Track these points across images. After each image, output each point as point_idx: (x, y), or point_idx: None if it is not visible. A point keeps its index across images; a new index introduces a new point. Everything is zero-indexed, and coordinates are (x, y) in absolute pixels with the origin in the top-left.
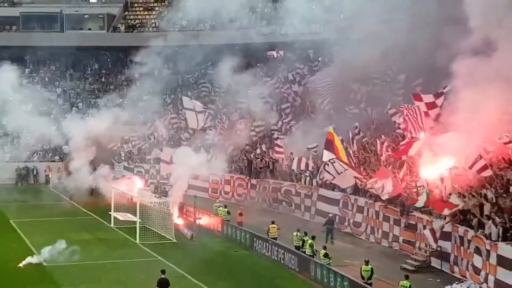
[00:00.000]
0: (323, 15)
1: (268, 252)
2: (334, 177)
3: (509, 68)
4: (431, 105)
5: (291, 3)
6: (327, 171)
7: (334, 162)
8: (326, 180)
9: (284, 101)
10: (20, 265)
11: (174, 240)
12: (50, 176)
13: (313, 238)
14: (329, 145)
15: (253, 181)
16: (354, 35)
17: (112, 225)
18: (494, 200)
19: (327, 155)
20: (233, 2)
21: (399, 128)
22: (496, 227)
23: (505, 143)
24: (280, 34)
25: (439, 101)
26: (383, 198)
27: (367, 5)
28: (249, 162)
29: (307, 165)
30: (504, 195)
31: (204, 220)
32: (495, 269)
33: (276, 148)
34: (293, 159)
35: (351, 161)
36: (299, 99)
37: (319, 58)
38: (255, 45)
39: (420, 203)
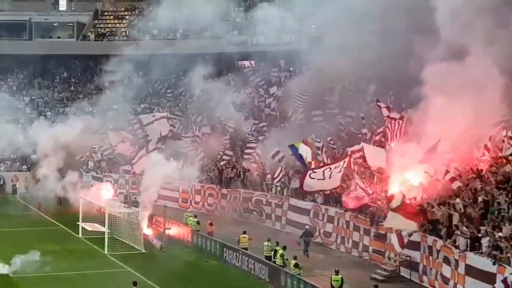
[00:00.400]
0: (295, 25)
1: (238, 262)
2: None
3: (479, 76)
4: (399, 115)
5: (262, 13)
6: (313, 178)
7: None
8: (315, 193)
9: (255, 110)
10: None
11: (143, 251)
12: (17, 185)
13: (284, 248)
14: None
15: (224, 190)
16: (326, 45)
17: (80, 235)
18: (462, 210)
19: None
20: (204, 12)
21: (370, 138)
22: (465, 237)
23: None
24: (252, 44)
25: (405, 112)
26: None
27: (338, 16)
28: (220, 172)
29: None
30: (472, 205)
31: (174, 230)
32: (463, 278)
33: (248, 157)
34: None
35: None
36: (271, 109)
37: (291, 68)
38: (226, 55)
39: (393, 204)
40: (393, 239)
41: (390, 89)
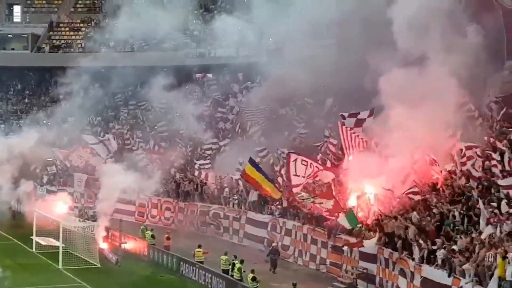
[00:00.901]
0: (253, 38)
1: (195, 276)
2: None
3: (435, 86)
4: (357, 125)
5: (221, 26)
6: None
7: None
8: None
9: (214, 123)
10: None
11: (99, 265)
12: None
13: (241, 262)
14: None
15: (181, 204)
16: (284, 58)
17: (34, 250)
18: (418, 223)
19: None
20: (162, 24)
21: (329, 151)
22: (420, 250)
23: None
24: (210, 56)
25: (362, 123)
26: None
27: (296, 29)
28: (177, 185)
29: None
30: (428, 218)
31: (130, 245)
32: None
33: (205, 170)
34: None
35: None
36: (229, 121)
37: (249, 82)
38: (184, 67)
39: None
40: (355, 252)
41: (348, 101)
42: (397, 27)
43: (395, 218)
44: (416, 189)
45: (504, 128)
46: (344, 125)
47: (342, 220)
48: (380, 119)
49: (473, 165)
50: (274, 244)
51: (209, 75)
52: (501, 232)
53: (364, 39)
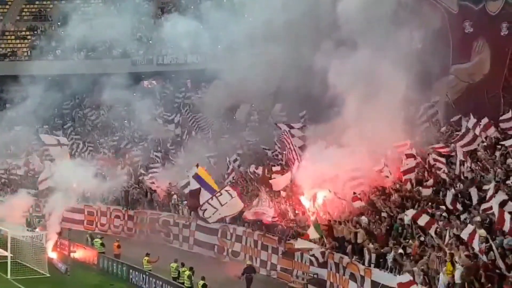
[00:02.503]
0: (202, 45)
1: (145, 284)
2: (217, 209)
3: (384, 92)
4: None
5: (170, 33)
6: (211, 205)
7: (221, 195)
8: (209, 217)
9: (162, 131)
10: None
11: (48, 275)
12: None
13: (191, 269)
14: (202, 183)
15: (131, 212)
16: (233, 64)
17: None
18: (367, 227)
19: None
20: (110, 32)
21: (276, 157)
22: (370, 254)
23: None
24: (158, 63)
25: (305, 130)
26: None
27: (246, 35)
28: (126, 193)
29: None
30: (377, 222)
31: (79, 253)
32: None
33: (153, 179)
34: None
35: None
36: (178, 129)
37: (197, 89)
38: (133, 74)
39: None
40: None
41: (297, 107)
42: (344, 27)
43: (345, 222)
44: (358, 195)
45: (450, 132)
46: (287, 133)
47: (312, 233)
48: (328, 124)
49: (422, 169)
50: (249, 263)
51: (155, 82)
52: (449, 236)
53: (313, 42)
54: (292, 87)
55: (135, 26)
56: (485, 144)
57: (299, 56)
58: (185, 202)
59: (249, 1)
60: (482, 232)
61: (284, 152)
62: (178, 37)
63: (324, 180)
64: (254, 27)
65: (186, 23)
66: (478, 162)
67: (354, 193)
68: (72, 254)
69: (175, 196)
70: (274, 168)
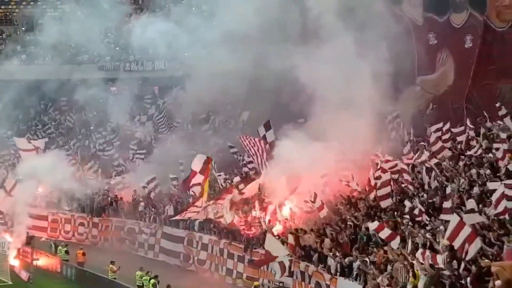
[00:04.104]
0: (169, 52)
1: None
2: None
3: (354, 100)
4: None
5: (138, 40)
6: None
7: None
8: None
9: (129, 138)
10: None
11: (10, 282)
12: None
13: (155, 277)
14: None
15: (95, 219)
16: (200, 73)
17: None
18: (333, 236)
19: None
20: (78, 37)
21: (245, 165)
22: (335, 262)
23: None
24: (125, 70)
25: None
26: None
27: (212, 43)
28: (91, 200)
29: None
30: (344, 230)
31: (42, 261)
32: None
33: (120, 186)
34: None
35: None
36: (146, 136)
37: (164, 97)
38: (98, 80)
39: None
40: (275, 266)
41: (266, 113)
42: (313, 36)
43: (311, 231)
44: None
45: (416, 142)
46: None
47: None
48: (298, 129)
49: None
50: (256, 284)
51: (114, 89)
52: (413, 246)
53: (282, 51)
54: (260, 95)
55: (103, 31)
56: (449, 154)
57: (268, 63)
58: (153, 209)
59: (219, 7)
60: (445, 241)
61: (251, 160)
62: (146, 43)
63: (291, 188)
64: (223, 34)
65: (155, 28)
66: (443, 172)
67: (321, 202)
68: (34, 262)
69: (142, 203)
70: (238, 177)
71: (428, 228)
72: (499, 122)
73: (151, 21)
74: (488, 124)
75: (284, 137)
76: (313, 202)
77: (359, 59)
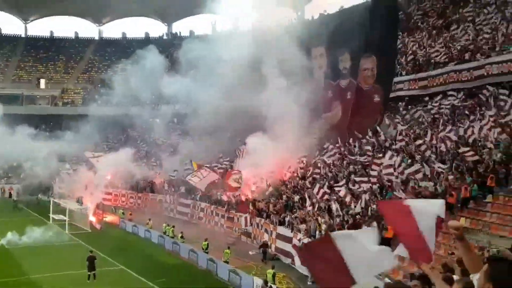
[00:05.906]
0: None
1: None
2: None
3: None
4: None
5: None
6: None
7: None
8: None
9: (161, 144)
10: None
11: (90, 231)
12: (12, 193)
13: (173, 227)
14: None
15: (140, 194)
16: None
17: (51, 222)
18: (274, 203)
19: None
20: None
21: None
22: (275, 218)
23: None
24: (158, 109)
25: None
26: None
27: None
28: (137, 183)
29: None
30: (281, 200)
31: (108, 218)
32: (275, 241)
33: (154, 173)
34: None
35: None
36: (172, 144)
37: (184, 122)
38: (144, 112)
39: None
40: (241, 219)
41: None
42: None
43: (262, 200)
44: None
45: (322, 149)
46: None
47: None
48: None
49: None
50: (264, 240)
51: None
52: (319, 208)
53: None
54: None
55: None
56: (338, 157)
57: (239, 96)
58: (173, 188)
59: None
60: (336, 206)
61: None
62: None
63: (253, 175)
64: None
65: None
66: (334, 167)
67: (269, 183)
68: (104, 218)
69: (166, 185)
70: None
71: (328, 201)
72: (367, 138)
73: (177, 78)
74: (362, 141)
75: (251, 141)
76: (268, 184)
77: (293, 98)
